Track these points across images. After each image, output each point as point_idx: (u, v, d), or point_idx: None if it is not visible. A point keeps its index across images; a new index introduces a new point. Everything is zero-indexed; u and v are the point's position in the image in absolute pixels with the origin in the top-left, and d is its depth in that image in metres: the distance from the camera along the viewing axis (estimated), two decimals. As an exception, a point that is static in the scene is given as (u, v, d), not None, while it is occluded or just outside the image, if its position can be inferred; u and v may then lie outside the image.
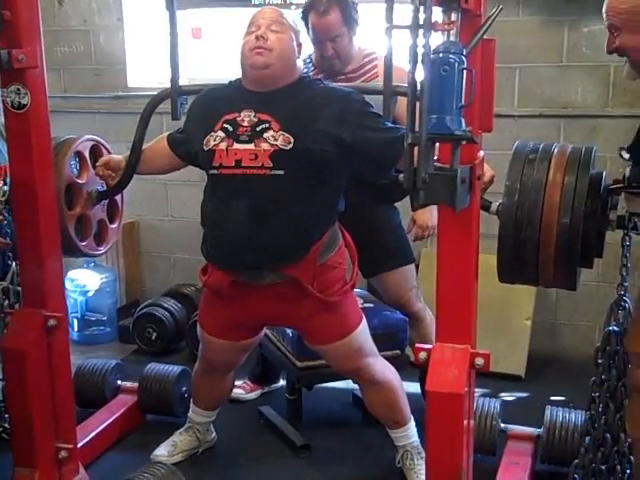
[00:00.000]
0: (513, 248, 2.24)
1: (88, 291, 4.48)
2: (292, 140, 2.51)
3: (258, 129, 2.55)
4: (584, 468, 2.52)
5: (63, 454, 2.64)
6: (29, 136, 2.46)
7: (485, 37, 1.89)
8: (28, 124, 2.45)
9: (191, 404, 3.18)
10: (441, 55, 1.75)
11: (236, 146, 2.55)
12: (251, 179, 2.54)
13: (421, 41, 1.75)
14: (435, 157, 1.84)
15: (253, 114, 2.57)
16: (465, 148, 1.84)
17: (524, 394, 3.76)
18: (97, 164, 2.86)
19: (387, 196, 3.10)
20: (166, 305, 4.31)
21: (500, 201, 2.23)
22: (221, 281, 2.74)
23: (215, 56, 4.60)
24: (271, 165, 2.52)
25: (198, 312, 3.02)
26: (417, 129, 1.76)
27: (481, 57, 1.94)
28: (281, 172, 2.52)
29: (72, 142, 2.83)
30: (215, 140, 2.59)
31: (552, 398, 3.51)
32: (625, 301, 2.47)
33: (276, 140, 2.52)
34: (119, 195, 3.06)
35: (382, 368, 2.86)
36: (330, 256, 2.69)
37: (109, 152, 3.02)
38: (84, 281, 4.46)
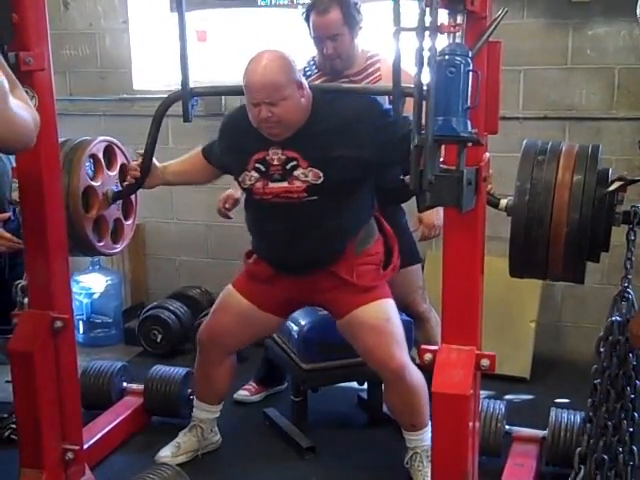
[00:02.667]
0: (524, 246, 2.28)
1: (94, 293, 4.49)
2: (321, 175, 2.67)
3: (288, 167, 2.70)
4: (587, 457, 2.52)
5: (69, 455, 2.65)
6: (37, 139, 2.45)
7: (491, 39, 1.90)
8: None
9: (194, 401, 3.18)
10: (447, 57, 1.76)
11: (271, 185, 2.73)
12: (287, 205, 2.74)
13: (427, 43, 1.76)
14: (441, 159, 1.85)
15: (281, 152, 2.70)
16: (471, 150, 1.85)
17: (529, 396, 3.76)
18: (133, 162, 2.95)
19: (394, 197, 3.11)
20: (171, 307, 4.32)
21: (509, 197, 2.26)
22: (262, 271, 2.93)
23: (220, 59, 4.61)
24: (306, 195, 2.71)
25: (234, 281, 3.05)
26: (423, 131, 1.77)
27: (487, 59, 1.95)
28: (315, 198, 2.71)
29: (87, 145, 2.85)
30: (251, 180, 2.76)
31: (557, 400, 3.51)
32: (629, 292, 2.49)
33: (307, 177, 2.68)
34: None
35: (412, 369, 2.84)
36: (366, 248, 2.85)
37: (122, 151, 3.06)
38: (90, 283, 4.47)
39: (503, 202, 2.27)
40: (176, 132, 4.40)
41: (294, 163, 2.68)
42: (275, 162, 2.71)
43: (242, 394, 3.60)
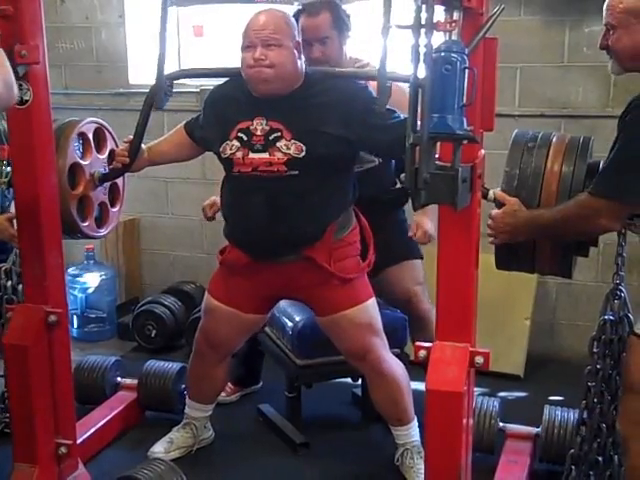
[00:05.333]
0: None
1: (88, 288, 4.48)
2: (304, 148, 2.63)
3: (271, 138, 2.65)
4: (580, 459, 2.53)
5: (63, 450, 2.64)
6: (31, 132, 2.46)
7: (487, 36, 1.90)
8: (30, 120, 2.45)
9: (187, 400, 3.18)
10: (443, 54, 1.76)
11: (252, 155, 2.67)
12: (267, 179, 2.68)
13: (423, 40, 1.76)
14: (436, 156, 1.85)
15: (265, 122, 2.67)
16: (466, 147, 1.85)
17: (523, 393, 3.77)
18: (120, 146, 2.92)
19: (392, 204, 3.13)
20: (166, 302, 4.31)
21: (498, 188, 2.25)
22: (238, 259, 2.86)
23: (217, 54, 4.60)
24: (286, 169, 2.65)
25: (209, 283, 3.03)
26: (419, 129, 1.77)
27: (483, 56, 1.94)
28: (295, 172, 2.66)
29: (76, 123, 2.84)
30: (232, 149, 2.70)
31: (551, 398, 3.51)
32: (621, 290, 2.49)
33: (289, 149, 2.64)
34: (121, 179, 3.07)
35: (391, 361, 2.87)
36: (344, 235, 2.80)
37: (112, 136, 3.04)
38: (84, 278, 4.47)
39: (491, 193, 2.27)
40: (171, 126, 4.38)
41: (277, 134, 2.64)
42: (258, 132, 2.67)
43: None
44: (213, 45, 4.63)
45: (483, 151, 2.04)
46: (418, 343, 2.12)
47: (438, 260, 2.07)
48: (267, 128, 2.66)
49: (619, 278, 2.51)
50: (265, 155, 2.66)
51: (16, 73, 2.18)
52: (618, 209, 2.13)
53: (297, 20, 3.01)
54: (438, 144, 1.85)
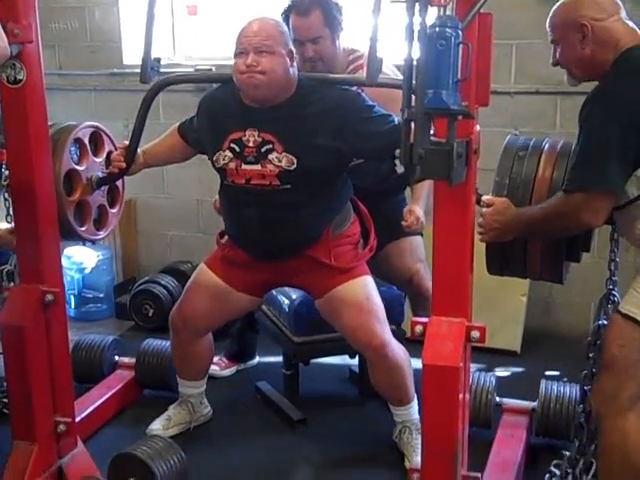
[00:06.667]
0: (502, 243, 2.29)
1: (85, 268, 4.49)
2: (295, 161, 2.66)
3: (263, 150, 2.68)
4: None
5: (61, 428, 2.65)
6: (25, 111, 2.45)
7: (481, 11, 1.89)
8: (24, 99, 2.43)
9: (178, 379, 3.19)
10: (437, 29, 1.74)
11: (244, 167, 2.72)
12: (260, 192, 2.73)
13: (417, 18, 1.75)
14: (431, 132, 1.84)
15: (257, 134, 2.69)
16: (461, 123, 1.84)
17: (519, 369, 3.79)
18: (116, 152, 2.92)
19: (390, 191, 3.13)
20: (163, 282, 4.32)
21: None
22: (238, 257, 2.92)
23: (211, 33, 4.58)
24: (278, 183, 2.69)
25: (206, 258, 3.04)
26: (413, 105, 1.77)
27: (478, 31, 1.94)
28: (288, 186, 2.70)
29: (72, 129, 2.83)
30: (224, 160, 2.74)
31: (547, 373, 3.53)
32: (614, 295, 2.50)
33: (280, 162, 2.67)
34: (120, 180, 3.07)
35: (395, 346, 2.87)
36: (343, 230, 2.86)
37: (109, 138, 3.04)
38: (81, 259, 4.47)
39: (484, 198, 2.28)
40: (167, 108, 4.39)
41: (269, 146, 2.67)
42: (250, 144, 2.70)
43: (212, 368, 3.48)
44: (207, 24, 4.61)
45: (478, 127, 2.04)
46: (414, 318, 2.11)
47: (434, 235, 2.07)
48: (259, 140, 2.69)
49: (612, 283, 2.52)
50: (257, 167, 2.69)
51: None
52: (594, 201, 2.11)
53: (287, 18, 3.00)
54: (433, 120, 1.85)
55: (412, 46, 1.76)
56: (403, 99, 1.80)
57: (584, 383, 2.54)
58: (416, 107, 1.75)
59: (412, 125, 1.77)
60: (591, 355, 2.52)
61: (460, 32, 1.75)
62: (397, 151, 1.86)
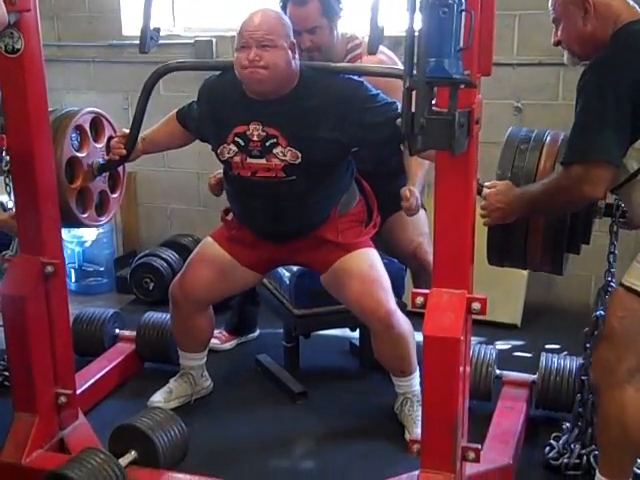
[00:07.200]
0: (502, 234, 2.29)
1: (85, 242, 4.50)
2: (299, 155, 2.69)
3: (267, 144, 2.70)
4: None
5: (62, 399, 2.66)
6: (24, 82, 2.43)
7: (485, -22, 1.87)
8: (22, 69, 2.41)
9: (179, 352, 3.19)
10: (440, -3, 1.72)
11: (250, 160, 2.74)
12: (266, 183, 2.76)
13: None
14: (433, 101, 1.83)
15: (261, 128, 2.70)
16: (463, 92, 1.82)
17: (520, 342, 3.79)
18: (115, 138, 2.91)
19: (394, 174, 3.10)
20: (163, 255, 4.32)
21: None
22: (245, 237, 2.96)
23: (211, 4, 4.54)
24: (284, 175, 2.73)
25: (213, 232, 3.06)
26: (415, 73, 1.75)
27: (480, -1, 1.91)
28: (293, 177, 2.73)
29: (72, 115, 2.82)
30: (229, 153, 2.76)
31: (547, 346, 3.54)
32: (612, 287, 2.50)
33: (285, 156, 2.69)
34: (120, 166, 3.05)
35: (399, 317, 2.86)
36: (350, 209, 2.91)
37: (110, 124, 3.02)
38: (81, 232, 4.46)
39: (486, 190, 2.27)
40: (167, 80, 4.34)
41: (273, 140, 2.68)
42: (255, 138, 2.70)
43: (213, 342, 3.45)
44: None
45: (480, 96, 2.01)
46: (415, 290, 2.11)
47: (435, 206, 2.05)
48: (263, 134, 2.69)
49: (610, 275, 2.54)
50: (262, 161, 2.72)
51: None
52: (594, 172, 2.09)
53: (285, 7, 2.97)
54: (435, 90, 1.83)
55: (414, 14, 1.74)
56: (405, 67, 1.78)
57: (581, 374, 2.55)
58: (418, 76, 1.73)
59: (414, 94, 1.75)
60: (588, 345, 2.54)
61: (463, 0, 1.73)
62: (398, 120, 1.83)
